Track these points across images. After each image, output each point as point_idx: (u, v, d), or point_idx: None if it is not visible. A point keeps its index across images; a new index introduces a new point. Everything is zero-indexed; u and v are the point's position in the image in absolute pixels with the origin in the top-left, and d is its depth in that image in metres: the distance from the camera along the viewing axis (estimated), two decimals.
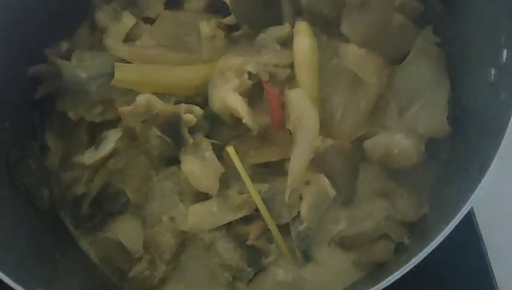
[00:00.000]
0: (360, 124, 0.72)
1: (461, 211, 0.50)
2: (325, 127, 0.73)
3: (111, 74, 0.73)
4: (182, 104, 0.71)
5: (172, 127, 0.70)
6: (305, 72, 0.74)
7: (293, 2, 0.79)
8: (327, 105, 0.74)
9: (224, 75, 0.73)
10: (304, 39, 0.74)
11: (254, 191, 0.71)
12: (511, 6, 0.56)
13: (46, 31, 0.81)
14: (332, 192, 0.71)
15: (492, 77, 0.59)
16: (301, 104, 0.71)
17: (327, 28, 0.79)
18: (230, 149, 0.71)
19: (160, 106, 0.70)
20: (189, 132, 0.71)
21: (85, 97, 0.74)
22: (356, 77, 0.72)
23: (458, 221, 0.50)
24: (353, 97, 0.72)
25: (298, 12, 0.79)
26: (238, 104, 0.71)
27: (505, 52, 0.56)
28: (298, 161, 0.70)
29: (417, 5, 0.74)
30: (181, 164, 0.70)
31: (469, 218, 0.75)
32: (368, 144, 0.71)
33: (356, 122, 0.72)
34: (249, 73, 0.73)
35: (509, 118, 0.53)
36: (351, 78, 0.73)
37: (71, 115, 0.76)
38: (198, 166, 0.70)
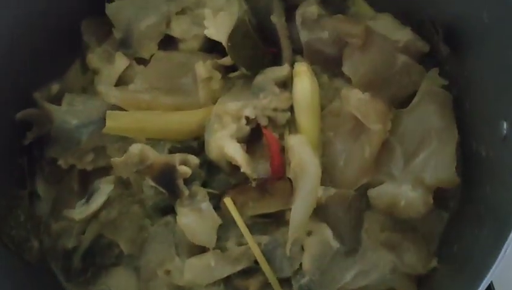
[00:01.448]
0: (364, 172, 0.68)
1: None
2: (328, 175, 0.70)
3: (103, 120, 0.70)
4: (177, 154, 0.68)
5: (167, 178, 0.67)
6: (305, 116, 0.71)
7: (292, 40, 0.76)
8: (329, 151, 0.71)
9: (221, 120, 0.70)
10: (304, 81, 0.71)
11: (253, 244, 0.67)
12: None
13: (36, 71, 0.78)
14: (335, 244, 0.68)
15: (505, 131, 0.55)
16: (301, 151, 0.68)
17: (328, 67, 0.76)
18: (227, 201, 0.68)
19: (154, 156, 0.67)
20: (184, 183, 0.68)
21: (76, 146, 0.71)
22: (359, 122, 0.69)
23: None
24: (356, 143, 0.69)
25: (298, 51, 0.76)
26: (235, 153, 0.68)
27: None
28: (299, 212, 0.66)
29: (422, 46, 0.71)
30: (177, 217, 0.67)
31: None
32: (373, 193, 0.68)
33: (359, 170, 0.68)
34: (247, 118, 0.70)
35: None
36: (354, 123, 0.70)
37: (61, 163, 0.73)
38: (195, 219, 0.67)
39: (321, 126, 0.72)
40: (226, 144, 0.68)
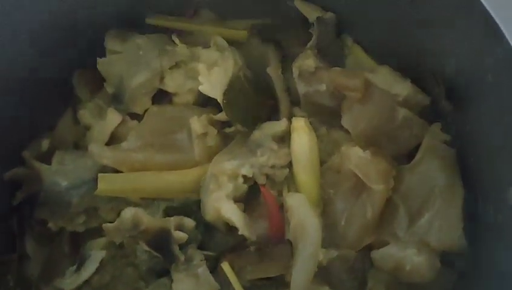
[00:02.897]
0: (366, 233, 0.66)
1: None
2: (328, 234, 0.67)
3: (95, 181, 0.68)
4: (172, 218, 0.65)
5: (162, 244, 0.64)
6: (305, 173, 0.69)
7: (290, 91, 0.75)
8: (330, 209, 0.68)
9: (216, 180, 0.68)
10: (302, 137, 0.69)
11: None
12: None
13: (26, 125, 0.76)
14: None
15: None
16: (301, 212, 0.65)
17: (327, 119, 0.73)
18: (225, 266, 0.65)
19: (148, 221, 0.64)
20: (180, 246, 0.65)
21: (66, 209, 0.69)
22: (360, 180, 0.66)
23: None
24: (357, 202, 0.66)
25: (295, 102, 0.74)
26: (232, 215, 0.65)
27: None
28: (300, 277, 0.64)
29: (423, 99, 0.69)
30: (173, 284, 0.64)
31: None
32: (376, 255, 0.65)
33: (362, 231, 0.66)
34: (244, 176, 0.68)
35: None
36: (355, 181, 0.67)
37: (51, 225, 0.71)
38: (191, 286, 0.64)
39: (321, 183, 0.69)
40: (222, 206, 0.66)
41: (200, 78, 0.70)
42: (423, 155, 0.67)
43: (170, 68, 0.72)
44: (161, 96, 0.75)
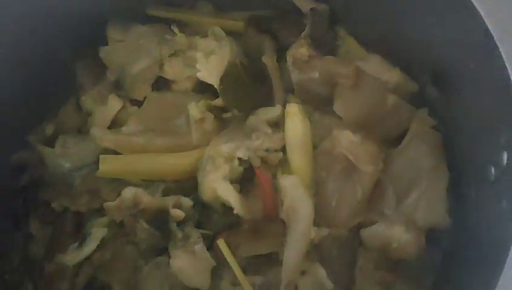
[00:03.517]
0: (356, 213, 0.69)
1: None
2: (320, 214, 0.70)
3: (97, 163, 0.71)
4: (170, 197, 0.68)
5: (160, 222, 0.67)
6: (298, 156, 0.72)
7: (284, 79, 0.78)
8: (322, 190, 0.71)
9: (213, 161, 0.71)
10: (295, 123, 0.72)
11: (247, 286, 0.67)
12: (510, 107, 0.53)
13: (30, 110, 0.79)
14: (330, 284, 0.68)
15: (493, 177, 0.56)
16: (294, 192, 0.68)
17: (320, 106, 0.76)
18: (221, 243, 0.68)
19: (147, 200, 0.67)
20: (178, 224, 0.68)
21: (69, 189, 0.72)
22: (350, 162, 0.69)
23: None
24: (348, 183, 0.69)
25: (290, 89, 0.77)
26: (228, 195, 0.68)
27: (505, 155, 0.53)
28: (292, 254, 0.67)
29: (412, 86, 0.72)
30: (170, 260, 0.67)
31: None
32: (365, 233, 0.68)
33: (352, 211, 0.69)
34: (240, 159, 0.71)
35: None
36: (345, 163, 0.70)
37: (55, 205, 0.73)
38: (188, 262, 0.67)
39: (314, 165, 0.72)
40: (219, 186, 0.68)
41: (197, 65, 0.73)
42: (411, 139, 0.70)
43: (169, 56, 0.75)
44: (160, 83, 0.78)
